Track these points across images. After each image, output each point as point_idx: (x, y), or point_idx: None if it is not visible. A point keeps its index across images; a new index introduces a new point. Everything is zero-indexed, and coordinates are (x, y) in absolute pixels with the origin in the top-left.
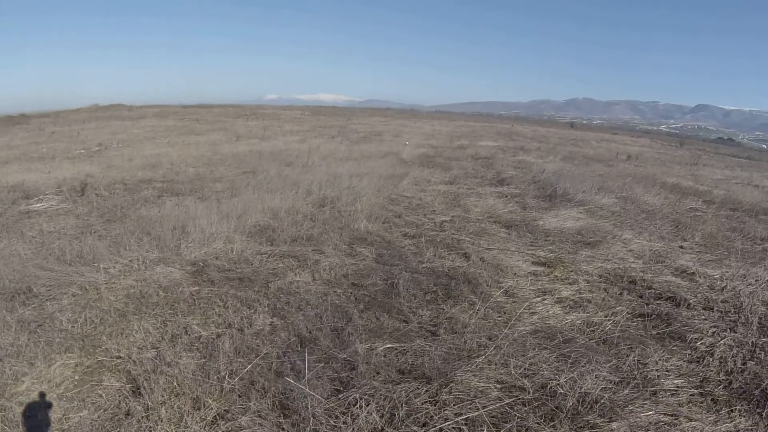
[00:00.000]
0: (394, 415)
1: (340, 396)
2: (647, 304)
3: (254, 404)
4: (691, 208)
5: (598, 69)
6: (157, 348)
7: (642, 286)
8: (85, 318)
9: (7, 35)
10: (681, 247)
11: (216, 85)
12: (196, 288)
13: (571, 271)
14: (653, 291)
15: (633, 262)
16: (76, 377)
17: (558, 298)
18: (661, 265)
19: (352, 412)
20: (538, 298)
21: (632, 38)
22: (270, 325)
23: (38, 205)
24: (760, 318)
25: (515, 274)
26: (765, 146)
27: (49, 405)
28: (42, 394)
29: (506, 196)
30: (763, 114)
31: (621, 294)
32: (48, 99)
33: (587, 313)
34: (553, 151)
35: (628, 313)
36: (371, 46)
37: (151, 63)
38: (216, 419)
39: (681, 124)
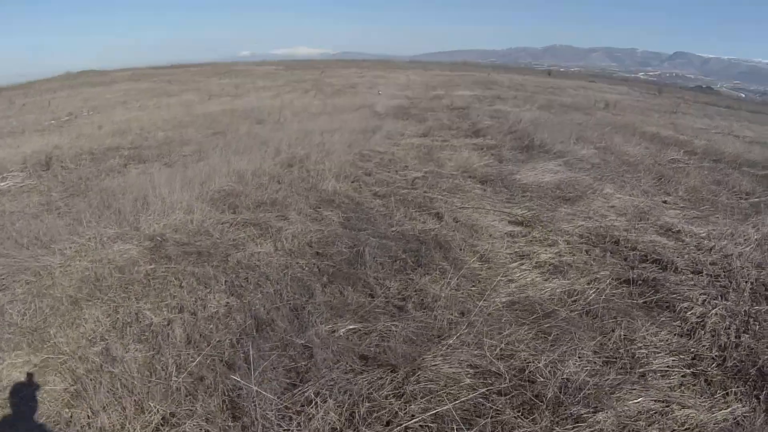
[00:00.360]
0: (354, 413)
1: (295, 392)
2: (632, 268)
3: (201, 406)
4: (672, 159)
5: (576, 15)
6: (106, 340)
7: (626, 247)
8: (36, 308)
9: None
10: (664, 201)
11: (188, 44)
12: (152, 266)
13: (550, 231)
14: (638, 252)
15: (615, 220)
16: (23, 379)
17: (537, 262)
18: (645, 222)
19: (306, 412)
20: (515, 264)
21: None
22: (225, 306)
23: (2, 183)
24: (752, 283)
25: (491, 235)
26: (743, 95)
27: None
28: None
29: (482, 149)
30: (742, 62)
31: (604, 257)
32: (19, 71)
33: (568, 279)
34: (531, 99)
35: (612, 279)
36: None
37: (122, 26)
38: (160, 425)
39: (659, 72)
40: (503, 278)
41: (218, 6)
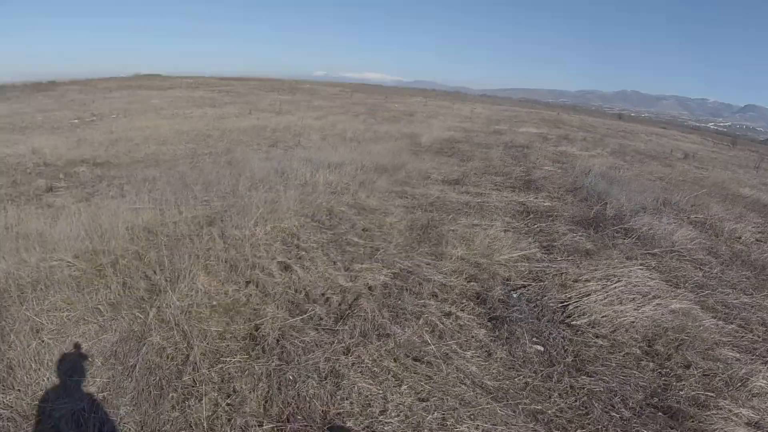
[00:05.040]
0: None
1: None
2: None
3: None
4: None
5: (649, 62)
6: None
7: None
8: None
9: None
10: None
11: (270, 59)
12: None
13: None
14: None
15: None
16: None
17: None
18: None
19: None
20: None
21: (685, 33)
22: None
23: None
24: None
25: None
26: None
27: None
28: None
29: (528, 216)
30: None
31: None
32: (101, 70)
33: None
34: (601, 142)
35: None
36: (422, 26)
37: (210, 37)
38: None
39: (729, 123)
40: None
41: (300, 27)
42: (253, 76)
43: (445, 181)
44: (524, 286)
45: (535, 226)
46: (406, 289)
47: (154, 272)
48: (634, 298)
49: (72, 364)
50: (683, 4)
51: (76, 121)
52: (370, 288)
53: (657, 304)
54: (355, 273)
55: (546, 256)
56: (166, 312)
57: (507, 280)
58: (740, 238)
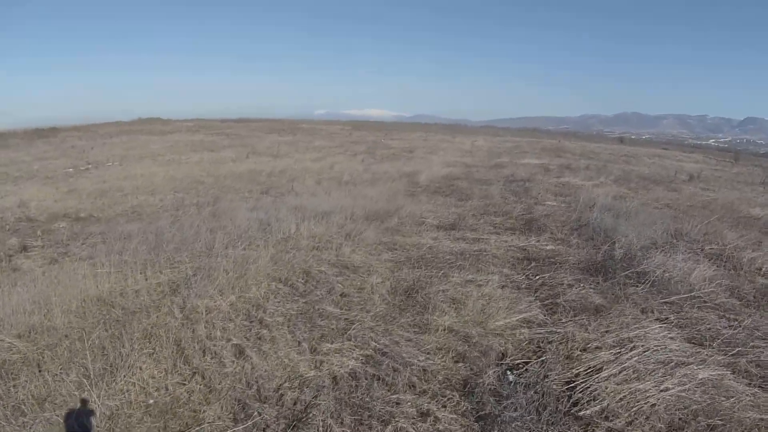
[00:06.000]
0: None
1: None
2: None
3: None
4: None
5: (647, 83)
6: None
7: None
8: None
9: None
10: None
11: (270, 100)
12: None
13: None
14: None
15: None
16: None
17: None
18: None
19: None
20: None
21: (681, 52)
22: None
23: None
24: None
25: None
26: None
27: None
28: None
29: (529, 265)
30: None
31: None
32: (103, 112)
33: None
34: (604, 170)
35: None
36: (420, 63)
37: (213, 79)
38: None
39: (729, 138)
40: None
41: (300, 69)
42: (255, 118)
43: (439, 226)
44: (523, 364)
45: (537, 278)
46: (378, 379)
47: (94, 358)
48: (653, 370)
49: None
50: (679, 21)
51: (71, 169)
52: (335, 378)
53: (682, 375)
54: (322, 356)
55: (549, 317)
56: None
57: (502, 356)
58: (761, 269)
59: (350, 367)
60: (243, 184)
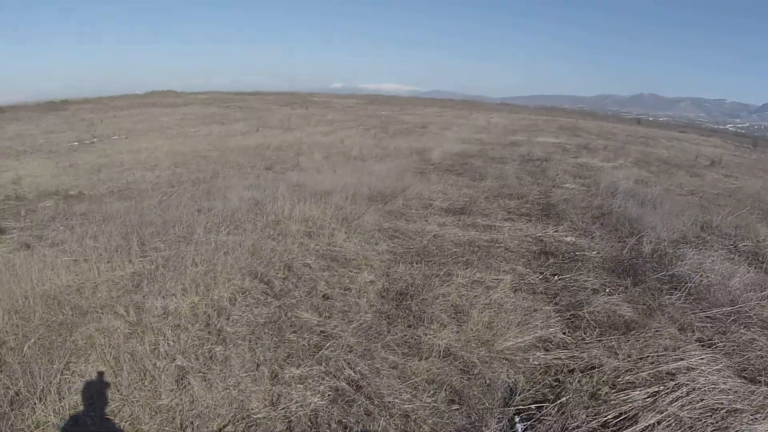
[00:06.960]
0: None
1: None
2: None
3: None
4: None
5: (664, 65)
6: None
7: None
8: None
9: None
10: None
11: (287, 72)
12: None
13: None
14: None
15: None
16: None
17: None
18: None
19: None
20: None
21: (700, 35)
22: None
23: None
24: None
25: None
26: None
27: None
28: None
29: (546, 261)
30: None
31: None
32: (119, 83)
33: None
34: (623, 151)
35: None
36: (439, 36)
37: (229, 51)
38: None
39: (747, 124)
40: None
41: (318, 38)
42: (271, 91)
43: (448, 210)
44: (536, 407)
45: (556, 278)
46: (345, 429)
47: (16, 380)
48: (700, 419)
49: None
50: (698, 4)
51: (76, 143)
52: (289, 424)
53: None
54: (282, 386)
55: (570, 335)
56: None
57: (510, 393)
58: None
59: (312, 407)
60: (248, 159)
